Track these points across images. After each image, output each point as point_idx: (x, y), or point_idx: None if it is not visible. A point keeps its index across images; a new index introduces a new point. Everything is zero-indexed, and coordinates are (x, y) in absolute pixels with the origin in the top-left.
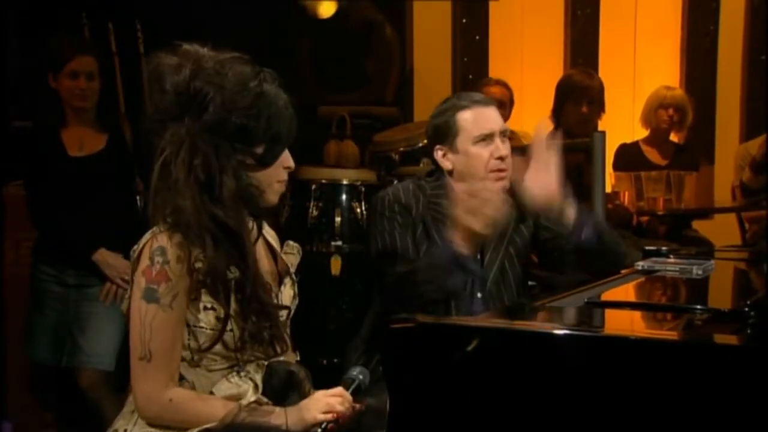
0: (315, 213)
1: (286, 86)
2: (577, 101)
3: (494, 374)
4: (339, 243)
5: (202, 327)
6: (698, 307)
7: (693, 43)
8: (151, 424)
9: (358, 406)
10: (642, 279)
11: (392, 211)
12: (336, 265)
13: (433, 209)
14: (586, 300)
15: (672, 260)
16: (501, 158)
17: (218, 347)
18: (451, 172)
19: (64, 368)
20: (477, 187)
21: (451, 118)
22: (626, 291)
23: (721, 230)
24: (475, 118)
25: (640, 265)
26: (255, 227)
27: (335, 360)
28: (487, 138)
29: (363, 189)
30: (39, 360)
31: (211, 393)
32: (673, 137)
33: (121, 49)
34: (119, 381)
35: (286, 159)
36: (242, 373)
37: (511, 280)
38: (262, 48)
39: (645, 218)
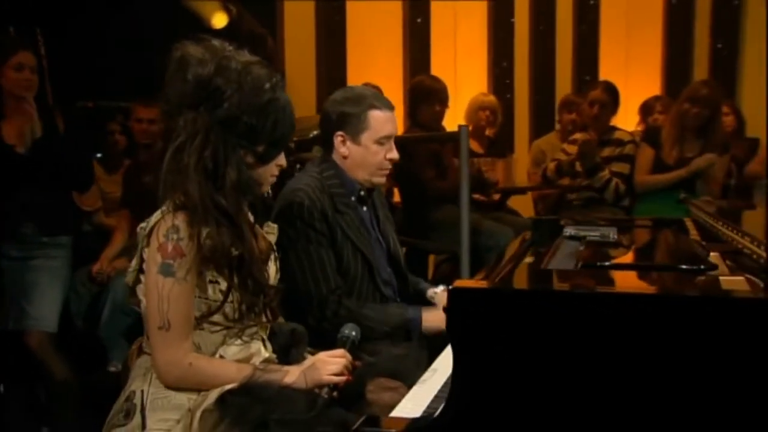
0: None
1: None
2: (431, 101)
3: (557, 337)
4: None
5: (206, 298)
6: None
7: (496, 62)
8: (168, 387)
9: (358, 363)
10: (585, 244)
11: (312, 219)
12: None
13: (338, 204)
14: (580, 265)
15: (588, 227)
16: (392, 160)
17: (219, 317)
18: (344, 159)
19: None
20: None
21: (364, 113)
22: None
23: (522, 204)
24: (384, 120)
25: (568, 232)
26: (250, 214)
27: None
28: (387, 140)
29: None
30: None
31: (221, 356)
32: (487, 132)
33: None
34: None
35: (280, 158)
36: (245, 338)
37: (402, 256)
38: (159, 53)
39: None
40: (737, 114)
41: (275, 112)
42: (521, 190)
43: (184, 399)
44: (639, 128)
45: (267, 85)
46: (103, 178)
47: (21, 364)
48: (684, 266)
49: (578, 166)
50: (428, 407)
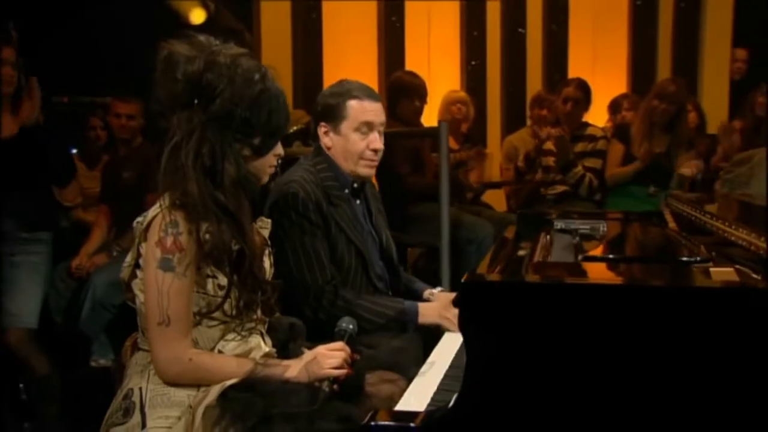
0: None
1: None
2: (410, 97)
3: (569, 328)
4: None
5: (205, 293)
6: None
7: (469, 60)
8: (167, 383)
9: (357, 356)
10: (576, 237)
11: (307, 211)
12: None
13: (332, 197)
14: (580, 258)
15: (577, 221)
16: (375, 150)
17: (217, 313)
18: (328, 149)
19: None
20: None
21: (342, 102)
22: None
23: (495, 199)
24: (362, 109)
25: (558, 225)
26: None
27: None
28: (366, 127)
29: None
30: None
31: (220, 352)
32: (462, 129)
33: None
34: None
35: (277, 147)
36: (243, 333)
37: (394, 250)
38: (141, 47)
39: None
40: (699, 111)
41: (268, 102)
42: (497, 185)
43: (183, 396)
44: (608, 125)
45: (257, 77)
46: (83, 173)
47: (1, 361)
48: (684, 258)
49: (549, 161)
50: (432, 400)
